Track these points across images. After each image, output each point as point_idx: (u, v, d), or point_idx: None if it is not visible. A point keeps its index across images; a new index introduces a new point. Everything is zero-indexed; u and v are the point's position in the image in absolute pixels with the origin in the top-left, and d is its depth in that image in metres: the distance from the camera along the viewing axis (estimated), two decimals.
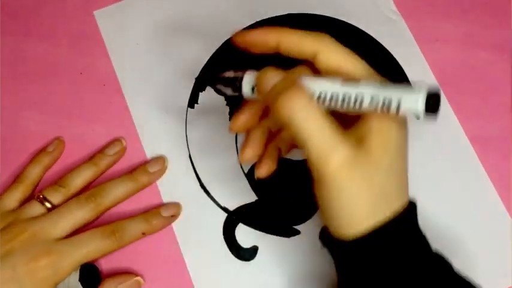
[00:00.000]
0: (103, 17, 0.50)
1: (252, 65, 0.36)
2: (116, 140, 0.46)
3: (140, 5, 0.50)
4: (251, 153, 0.36)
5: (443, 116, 0.47)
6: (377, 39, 0.49)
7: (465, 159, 0.46)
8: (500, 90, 0.48)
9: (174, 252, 0.44)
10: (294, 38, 0.34)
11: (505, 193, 0.45)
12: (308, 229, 0.44)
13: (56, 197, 0.42)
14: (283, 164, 0.46)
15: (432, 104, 0.29)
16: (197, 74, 0.49)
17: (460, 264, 0.43)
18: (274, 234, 0.44)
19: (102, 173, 0.45)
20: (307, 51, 0.34)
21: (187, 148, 0.47)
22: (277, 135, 0.38)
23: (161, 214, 0.43)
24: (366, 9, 0.50)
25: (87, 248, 0.40)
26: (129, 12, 0.50)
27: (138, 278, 0.42)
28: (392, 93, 0.30)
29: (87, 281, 0.40)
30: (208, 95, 0.48)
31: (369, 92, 0.30)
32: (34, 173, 0.44)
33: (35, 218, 0.41)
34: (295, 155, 0.46)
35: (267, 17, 0.50)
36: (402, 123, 0.33)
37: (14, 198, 0.43)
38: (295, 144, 0.38)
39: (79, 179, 0.44)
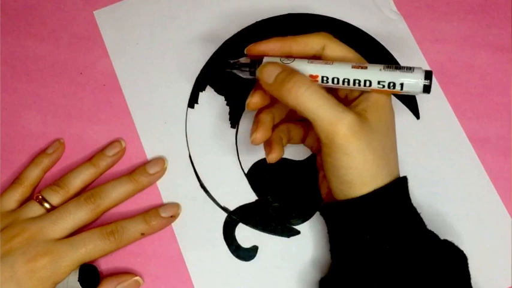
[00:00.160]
0: (103, 17, 0.50)
1: None
2: (116, 141, 0.46)
3: (140, 5, 0.50)
4: (260, 134, 0.40)
5: (443, 116, 0.47)
6: (377, 39, 0.49)
7: (465, 159, 0.46)
8: (500, 90, 0.48)
9: (174, 252, 0.44)
10: (302, 40, 0.39)
11: (505, 193, 0.45)
12: (308, 229, 0.44)
13: (55, 198, 0.43)
14: (283, 164, 0.46)
15: (428, 83, 0.35)
16: (197, 74, 0.49)
17: None
18: (274, 234, 0.44)
19: (101, 174, 0.45)
20: (315, 47, 0.39)
21: (187, 148, 0.47)
22: (279, 126, 0.42)
23: (160, 215, 0.43)
24: (366, 9, 0.50)
25: (86, 248, 0.40)
26: (129, 12, 0.50)
27: (137, 277, 0.42)
28: (396, 77, 0.36)
29: (86, 281, 0.40)
30: (208, 95, 0.48)
31: (376, 77, 0.36)
32: (33, 174, 0.44)
33: (35, 219, 0.41)
34: (294, 156, 0.46)
35: (267, 17, 0.50)
36: (390, 105, 0.38)
37: (13, 199, 0.43)
38: (292, 136, 0.42)
39: (78, 180, 0.44)
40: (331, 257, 0.39)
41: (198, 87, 0.48)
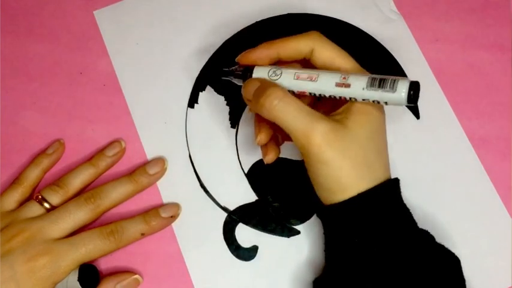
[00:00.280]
0: (103, 17, 0.50)
1: None
2: (116, 141, 0.46)
3: (140, 5, 0.50)
4: (264, 135, 0.40)
5: (443, 116, 0.47)
6: (377, 39, 0.49)
7: (465, 159, 0.46)
8: (500, 90, 0.48)
9: (174, 252, 0.44)
10: (290, 44, 0.39)
11: (505, 193, 0.45)
12: (308, 229, 0.44)
13: (54, 198, 0.43)
14: (283, 164, 0.46)
15: (413, 97, 0.35)
16: (197, 74, 0.49)
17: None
18: (274, 234, 0.44)
19: (101, 174, 0.45)
20: (303, 51, 0.39)
21: (187, 148, 0.47)
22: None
23: (160, 215, 0.43)
24: (366, 9, 0.50)
25: (86, 248, 0.40)
26: (129, 12, 0.50)
27: (137, 276, 0.42)
28: (380, 95, 0.35)
29: (86, 281, 0.40)
30: (208, 95, 0.48)
31: (359, 95, 0.36)
32: (33, 175, 0.44)
33: (34, 218, 0.41)
34: (294, 155, 0.46)
35: (267, 17, 0.50)
36: (378, 110, 0.38)
37: (12, 199, 0.43)
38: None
39: (78, 180, 0.44)
40: (325, 257, 0.39)
41: (198, 87, 0.48)
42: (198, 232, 0.44)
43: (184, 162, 0.46)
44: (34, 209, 0.42)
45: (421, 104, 0.48)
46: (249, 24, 0.50)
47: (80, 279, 0.40)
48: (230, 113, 0.47)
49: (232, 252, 0.44)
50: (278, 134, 0.42)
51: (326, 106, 0.40)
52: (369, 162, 0.37)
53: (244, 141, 0.47)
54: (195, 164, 0.46)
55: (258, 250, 0.44)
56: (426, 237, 0.38)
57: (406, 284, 0.35)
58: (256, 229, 0.45)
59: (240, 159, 0.46)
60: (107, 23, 0.50)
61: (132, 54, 0.49)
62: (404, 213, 0.38)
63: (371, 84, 0.35)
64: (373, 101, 0.36)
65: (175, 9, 0.50)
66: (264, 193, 0.45)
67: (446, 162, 0.46)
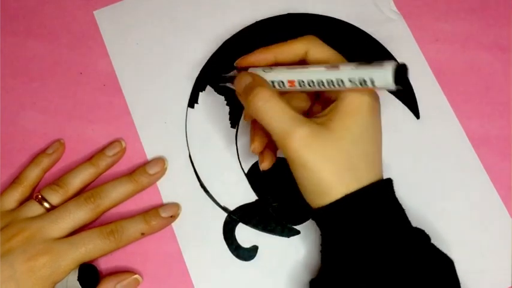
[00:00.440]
0: (103, 17, 0.50)
1: None
2: (116, 141, 0.46)
3: (140, 5, 0.50)
4: (258, 143, 0.41)
5: (443, 116, 0.47)
6: (377, 39, 0.49)
7: (465, 159, 0.46)
8: (500, 90, 0.48)
9: (174, 252, 0.44)
10: (286, 47, 0.40)
11: (505, 193, 0.45)
12: (308, 229, 0.44)
13: (54, 198, 0.43)
14: (283, 164, 0.46)
15: (400, 77, 0.34)
16: (197, 74, 0.49)
17: (460, 264, 0.43)
18: (274, 234, 0.44)
19: (101, 174, 0.45)
20: (299, 53, 0.39)
21: (187, 148, 0.47)
22: None
23: (160, 215, 0.43)
24: (366, 9, 0.50)
25: (86, 248, 0.40)
26: (129, 12, 0.50)
27: (136, 275, 0.42)
28: (365, 74, 0.35)
29: (86, 281, 0.40)
30: (208, 95, 0.48)
31: (346, 75, 0.35)
32: (33, 174, 0.44)
33: (34, 218, 0.41)
34: None
35: (267, 17, 0.50)
36: (367, 111, 0.37)
37: (12, 199, 0.43)
38: None
39: (78, 180, 0.44)
40: (321, 258, 0.39)
41: (198, 87, 0.48)
42: (198, 232, 0.44)
43: (184, 162, 0.46)
44: (34, 209, 0.42)
45: (421, 104, 0.48)
46: (249, 24, 0.50)
47: (79, 279, 0.40)
48: (230, 113, 0.48)
49: (232, 252, 0.44)
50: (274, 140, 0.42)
51: (320, 106, 0.40)
52: (353, 165, 0.36)
53: (244, 141, 0.47)
54: (195, 164, 0.46)
55: (258, 250, 0.44)
56: (419, 237, 0.38)
57: (398, 284, 0.35)
58: (256, 229, 0.45)
59: (240, 159, 0.46)
60: (107, 23, 0.50)
61: (132, 54, 0.49)
62: (396, 214, 0.37)
63: (359, 64, 0.35)
64: (361, 83, 0.35)
65: (175, 9, 0.50)
66: (264, 193, 0.45)
67: (446, 162, 0.46)
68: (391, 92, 0.48)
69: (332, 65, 0.37)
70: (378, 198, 0.37)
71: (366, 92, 0.36)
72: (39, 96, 0.48)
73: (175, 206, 0.45)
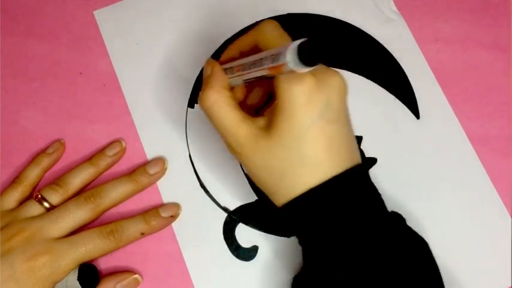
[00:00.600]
0: (103, 17, 0.50)
1: None
2: (116, 141, 0.46)
3: (140, 5, 0.50)
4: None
5: (443, 116, 0.47)
6: (377, 39, 0.49)
7: (465, 159, 0.46)
8: (500, 90, 0.48)
9: (174, 252, 0.44)
10: (245, 39, 0.38)
11: (505, 193, 0.45)
12: None
13: (54, 197, 0.43)
14: None
15: (306, 54, 0.30)
16: (197, 74, 0.49)
17: (460, 264, 0.43)
18: (274, 234, 0.44)
19: (101, 174, 0.45)
20: (252, 43, 0.38)
21: (187, 148, 0.47)
22: None
23: (160, 215, 0.43)
24: (366, 9, 0.50)
25: (86, 248, 0.40)
26: (129, 12, 0.50)
27: (136, 275, 0.42)
28: (277, 49, 0.32)
29: (86, 281, 0.40)
30: None
31: (259, 56, 0.34)
32: (33, 174, 0.44)
33: (34, 218, 0.41)
34: None
35: (267, 17, 0.50)
36: (303, 104, 0.34)
37: (12, 198, 0.43)
38: None
39: (78, 179, 0.44)
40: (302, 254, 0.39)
41: (198, 87, 0.48)
42: (198, 232, 0.44)
43: (184, 162, 0.46)
44: (34, 208, 0.42)
45: (421, 104, 0.48)
46: (248, 24, 0.50)
47: (79, 279, 0.40)
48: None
49: (232, 252, 0.44)
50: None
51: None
52: (288, 171, 0.35)
53: None
54: (195, 164, 0.46)
55: (258, 250, 0.44)
56: (395, 221, 0.37)
57: (377, 271, 0.34)
58: (256, 229, 0.45)
59: None
60: (107, 23, 0.50)
61: (132, 54, 0.49)
62: (368, 201, 0.36)
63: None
64: (273, 58, 0.32)
65: (175, 9, 0.50)
66: (264, 193, 0.45)
67: (446, 162, 0.46)
68: (391, 92, 0.48)
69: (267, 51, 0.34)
70: (341, 190, 0.35)
71: (297, 81, 0.33)
72: (39, 96, 0.48)
73: (175, 206, 0.45)
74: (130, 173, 0.45)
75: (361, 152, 0.46)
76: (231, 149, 0.37)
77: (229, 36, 0.49)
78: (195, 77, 0.48)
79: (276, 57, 0.32)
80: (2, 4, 0.50)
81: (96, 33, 0.50)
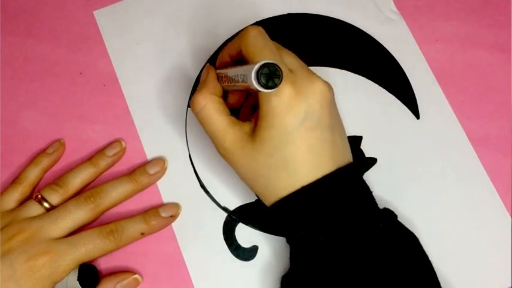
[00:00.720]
0: (103, 17, 0.50)
1: None
2: (116, 141, 0.46)
3: (140, 5, 0.50)
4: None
5: (443, 116, 0.47)
6: (377, 39, 0.49)
7: (465, 159, 0.46)
8: (500, 90, 0.48)
9: (174, 252, 0.44)
10: (231, 46, 0.39)
11: (505, 193, 0.45)
12: None
13: (54, 197, 0.43)
14: None
15: (265, 78, 0.32)
16: (197, 74, 0.49)
17: (460, 264, 0.43)
18: (274, 234, 0.44)
19: (101, 174, 0.45)
20: (237, 49, 0.38)
21: (187, 148, 0.47)
22: None
23: (160, 215, 0.43)
24: (366, 9, 0.50)
25: (86, 248, 0.40)
26: (129, 12, 0.50)
27: (136, 275, 0.42)
28: (242, 71, 0.34)
29: (86, 281, 0.40)
30: None
31: (235, 72, 0.36)
32: (33, 174, 0.44)
33: (34, 218, 0.41)
34: None
35: (267, 17, 0.50)
36: (283, 112, 0.35)
37: (12, 198, 0.43)
38: None
39: (77, 179, 0.44)
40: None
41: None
42: (198, 232, 0.44)
43: (184, 162, 0.46)
44: (34, 209, 0.42)
45: (421, 104, 0.48)
46: (249, 24, 0.50)
47: (79, 279, 0.40)
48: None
49: (232, 252, 0.44)
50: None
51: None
52: (271, 176, 0.36)
53: None
54: (195, 164, 0.46)
55: (258, 250, 0.44)
56: (385, 218, 0.37)
57: (367, 268, 0.35)
58: (256, 229, 0.45)
59: None
60: (107, 23, 0.50)
61: (132, 54, 0.49)
62: (358, 199, 0.37)
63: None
64: (243, 80, 0.34)
65: (175, 9, 0.50)
66: None
67: (446, 162, 0.46)
68: (391, 92, 0.48)
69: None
70: (327, 191, 0.36)
71: (276, 92, 0.34)
72: (39, 96, 0.48)
73: (175, 206, 0.45)
74: (130, 173, 0.45)
75: (361, 152, 0.46)
76: (219, 152, 0.39)
77: (229, 37, 0.49)
78: (195, 77, 0.48)
79: (244, 77, 0.34)
80: (2, 4, 0.50)
81: (96, 33, 0.50)
